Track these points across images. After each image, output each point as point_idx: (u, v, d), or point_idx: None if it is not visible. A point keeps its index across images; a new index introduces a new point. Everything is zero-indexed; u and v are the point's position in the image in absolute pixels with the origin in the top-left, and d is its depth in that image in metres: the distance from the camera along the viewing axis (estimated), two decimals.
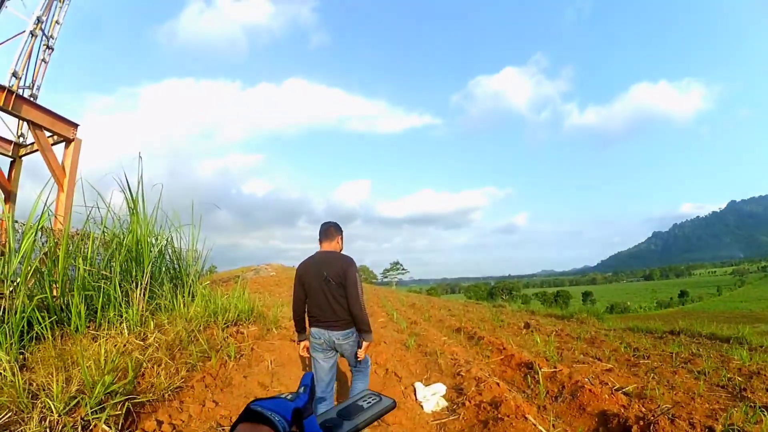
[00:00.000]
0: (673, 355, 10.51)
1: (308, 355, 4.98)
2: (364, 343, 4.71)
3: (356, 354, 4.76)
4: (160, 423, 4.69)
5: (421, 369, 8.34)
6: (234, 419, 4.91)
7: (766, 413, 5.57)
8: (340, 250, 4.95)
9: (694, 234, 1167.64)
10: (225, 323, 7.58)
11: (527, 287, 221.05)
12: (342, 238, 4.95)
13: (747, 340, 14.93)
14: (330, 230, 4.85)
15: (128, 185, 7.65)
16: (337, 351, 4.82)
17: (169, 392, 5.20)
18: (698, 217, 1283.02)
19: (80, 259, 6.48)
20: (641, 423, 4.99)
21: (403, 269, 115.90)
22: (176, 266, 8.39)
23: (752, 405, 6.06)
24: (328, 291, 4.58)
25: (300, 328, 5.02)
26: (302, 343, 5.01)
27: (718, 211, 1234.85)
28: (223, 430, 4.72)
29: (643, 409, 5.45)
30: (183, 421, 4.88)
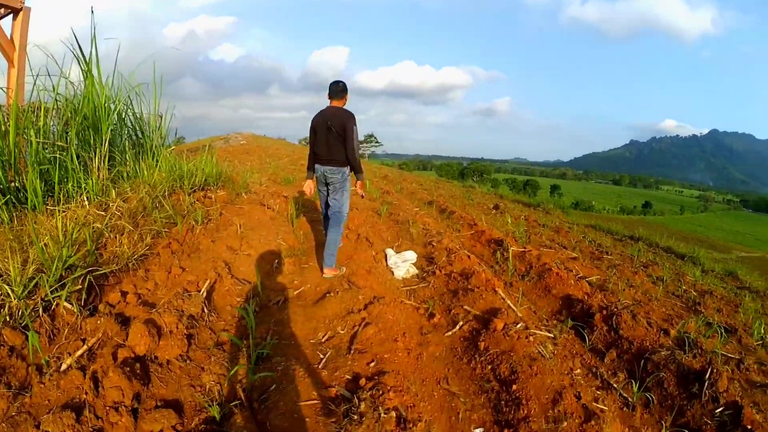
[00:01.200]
0: (633, 257, 10.84)
1: (308, 191, 6.23)
2: (359, 183, 6.09)
3: (344, 189, 6.01)
4: (124, 294, 4.62)
5: (393, 236, 8.38)
6: (202, 284, 4.92)
7: (721, 331, 5.82)
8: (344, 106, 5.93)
9: (670, 151, 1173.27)
10: (192, 188, 7.32)
11: (498, 172, 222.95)
12: (347, 97, 5.92)
13: (701, 262, 15.54)
14: (336, 89, 5.83)
15: (80, 49, 6.78)
16: (328, 186, 6.04)
17: (134, 261, 5.07)
18: (678, 136, 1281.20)
19: (32, 132, 5.92)
20: (603, 312, 5.16)
21: (377, 142, 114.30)
22: (138, 132, 7.78)
23: (706, 320, 6.31)
24: (330, 137, 5.73)
25: (309, 167, 6.18)
26: (307, 182, 6.26)
27: (699, 135, 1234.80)
28: (189, 295, 4.65)
29: (605, 301, 5.62)
30: (149, 290, 4.84)
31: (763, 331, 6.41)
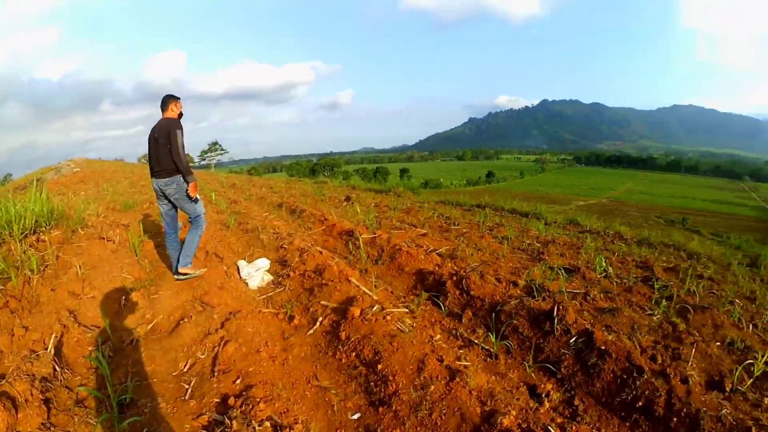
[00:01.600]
0: (480, 223, 11.48)
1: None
2: (190, 185, 5.91)
3: (186, 199, 5.98)
4: None
5: (244, 247, 8.21)
6: (48, 341, 4.43)
7: (562, 272, 6.37)
8: (178, 115, 6.01)
9: (506, 124, 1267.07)
10: (22, 233, 6.49)
11: (348, 164, 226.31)
12: (177, 105, 5.97)
13: (543, 216, 16.90)
14: (163, 102, 5.92)
15: None
16: (167, 197, 6.00)
17: None
18: (512, 109, 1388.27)
19: None
20: (454, 278, 5.44)
21: (222, 150, 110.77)
22: None
23: (550, 266, 6.87)
24: (158, 149, 5.77)
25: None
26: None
27: (531, 106, 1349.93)
28: (37, 355, 4.16)
29: (455, 267, 5.93)
30: None
31: (605, 264, 7.14)
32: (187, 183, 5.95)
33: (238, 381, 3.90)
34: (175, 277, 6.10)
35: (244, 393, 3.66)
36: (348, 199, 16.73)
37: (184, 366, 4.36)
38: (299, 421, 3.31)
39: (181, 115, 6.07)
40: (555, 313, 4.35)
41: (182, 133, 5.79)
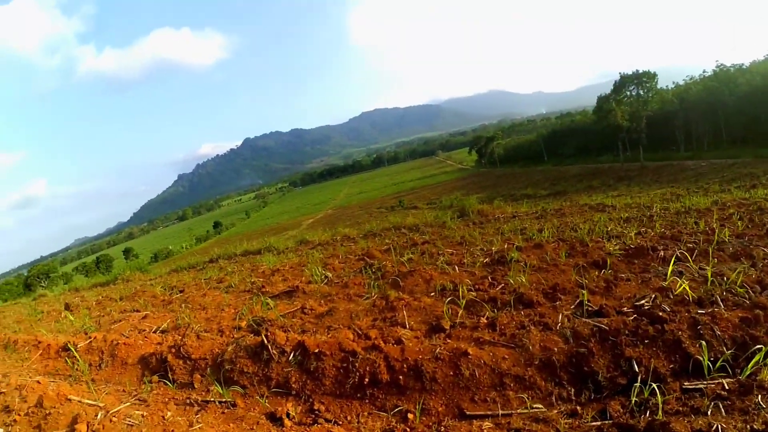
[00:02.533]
0: (208, 279, 11.40)
1: None
2: None
3: None
4: None
5: None
6: None
7: (276, 301, 6.72)
8: None
9: (217, 170, 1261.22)
10: None
11: (65, 263, 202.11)
12: None
13: (275, 247, 17.35)
14: None
15: None
16: None
17: None
18: (218, 155, 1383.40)
19: None
20: (173, 350, 5.38)
21: None
22: None
23: (268, 295, 7.16)
24: None
25: None
26: None
27: (236, 147, 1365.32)
28: None
29: (177, 337, 5.86)
30: None
31: (321, 272, 7.74)
32: None
33: None
34: None
35: None
36: (67, 307, 15.14)
37: None
38: None
39: None
40: (266, 341, 4.61)
41: None
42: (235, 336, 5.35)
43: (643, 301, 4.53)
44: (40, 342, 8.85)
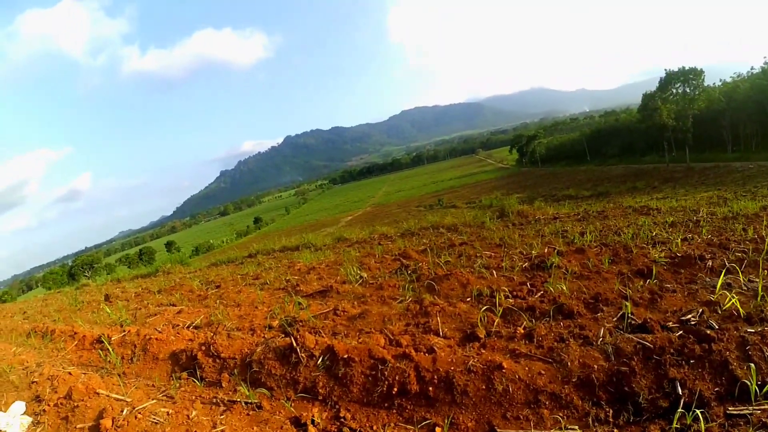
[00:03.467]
0: (245, 275, 11.44)
1: None
2: None
3: None
4: None
5: None
6: None
7: (310, 301, 6.66)
8: None
9: (258, 167, 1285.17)
10: None
11: (109, 255, 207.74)
12: None
13: (312, 244, 17.39)
14: None
15: None
16: None
17: None
18: (260, 152, 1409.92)
19: None
20: (203, 348, 5.35)
21: None
22: None
23: (302, 294, 7.10)
24: None
25: None
26: None
27: (277, 145, 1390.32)
28: None
29: (209, 334, 5.84)
30: None
31: (356, 271, 7.66)
32: None
33: None
34: None
35: None
36: (107, 298, 15.44)
37: None
38: None
39: None
40: (295, 344, 4.52)
41: None
42: (266, 336, 5.30)
43: (689, 316, 4.28)
44: (76, 333, 9.00)
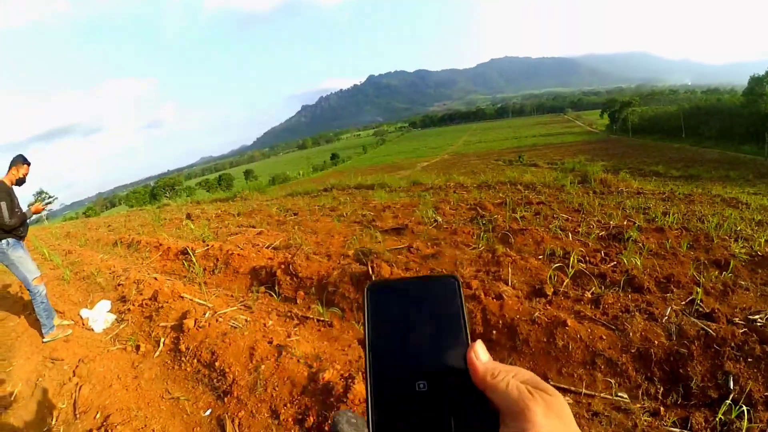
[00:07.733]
0: (321, 206, 11.83)
1: None
2: (32, 208, 5.88)
3: (14, 265, 5.67)
4: None
5: (83, 295, 7.88)
6: None
7: (385, 236, 6.88)
8: (17, 181, 5.71)
9: (339, 104, 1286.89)
10: None
11: (189, 178, 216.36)
12: (19, 168, 5.70)
13: (387, 185, 17.64)
14: (11, 161, 5.70)
15: None
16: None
17: None
18: (342, 89, 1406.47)
19: None
20: (282, 267, 5.71)
21: (50, 197, 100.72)
22: None
23: (378, 229, 7.35)
24: None
25: None
26: None
27: (359, 84, 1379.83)
28: None
29: (285, 256, 6.20)
30: None
31: (432, 214, 7.75)
32: (32, 215, 5.92)
33: (98, 415, 3.98)
34: (43, 342, 5.85)
35: (104, 423, 3.76)
36: (188, 216, 16.32)
37: (52, 420, 4.33)
38: (156, 431, 3.48)
39: (21, 181, 5.82)
40: (371, 272, 4.77)
41: (7, 201, 5.53)
42: (341, 263, 5.58)
43: (757, 317, 4.20)
44: (161, 244, 9.64)
